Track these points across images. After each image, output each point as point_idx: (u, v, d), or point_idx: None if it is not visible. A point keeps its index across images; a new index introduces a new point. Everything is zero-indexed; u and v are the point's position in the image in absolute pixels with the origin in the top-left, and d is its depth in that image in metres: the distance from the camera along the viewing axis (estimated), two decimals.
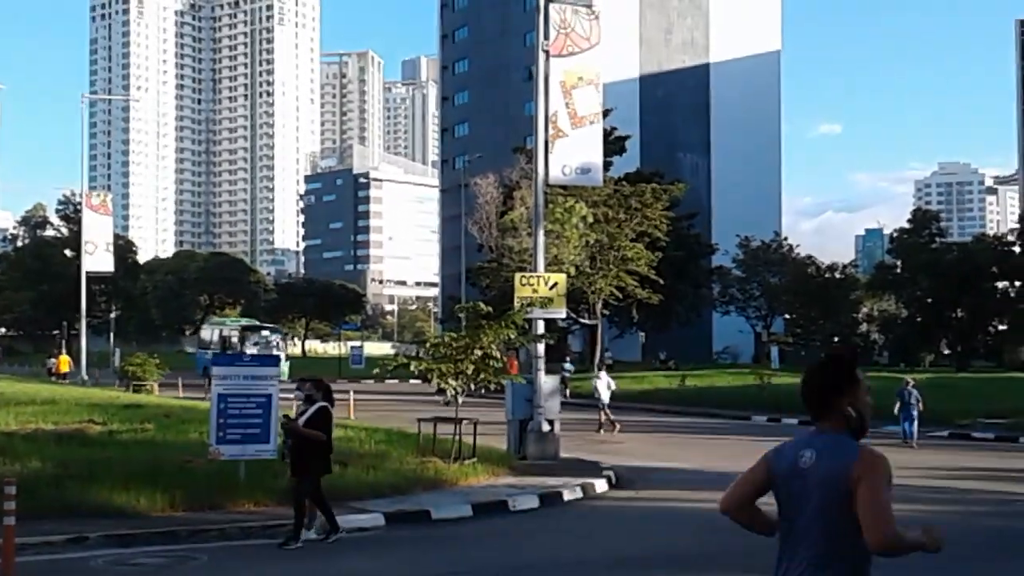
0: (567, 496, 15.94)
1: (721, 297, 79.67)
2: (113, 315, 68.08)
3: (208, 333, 58.11)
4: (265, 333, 54.94)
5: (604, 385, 28.37)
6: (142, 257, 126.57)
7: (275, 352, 47.83)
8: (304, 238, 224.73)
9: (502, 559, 11.53)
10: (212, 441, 14.11)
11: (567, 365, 44.41)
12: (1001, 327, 75.42)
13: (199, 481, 14.06)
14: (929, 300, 72.34)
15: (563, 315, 21.47)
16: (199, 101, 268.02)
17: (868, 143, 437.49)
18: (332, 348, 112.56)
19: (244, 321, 61.06)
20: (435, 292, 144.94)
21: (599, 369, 43.68)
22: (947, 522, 14.08)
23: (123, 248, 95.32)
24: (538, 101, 21.11)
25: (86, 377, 48.89)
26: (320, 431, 11.71)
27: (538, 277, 20.70)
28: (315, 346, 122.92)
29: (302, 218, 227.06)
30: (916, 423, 25.69)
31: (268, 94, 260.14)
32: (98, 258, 51.76)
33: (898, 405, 26.59)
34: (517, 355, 44.08)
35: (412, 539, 12.49)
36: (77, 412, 25.32)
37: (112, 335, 61.74)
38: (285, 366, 46.73)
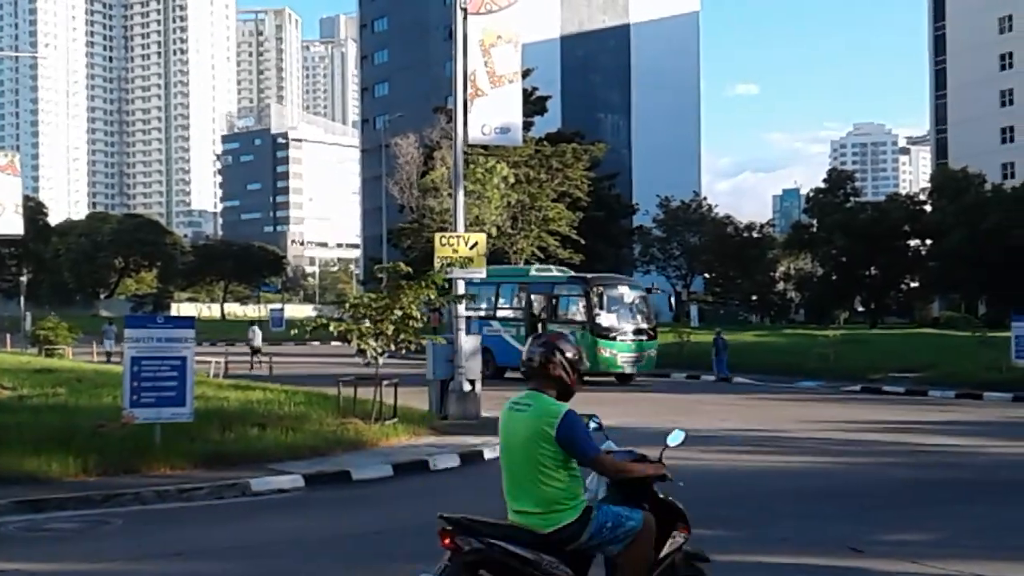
0: (488, 455, 15.95)
1: (642, 257, 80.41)
2: (24, 279, 66.29)
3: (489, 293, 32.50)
4: (636, 294, 32.18)
5: (258, 336, 38.62)
6: (54, 219, 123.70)
7: (643, 324, 31.26)
8: (222, 199, 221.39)
9: (423, 517, 11.44)
10: (126, 405, 13.86)
11: None
12: (912, 284, 77.32)
13: (113, 445, 13.78)
14: (844, 258, 73.77)
15: (483, 275, 21.41)
16: (111, 59, 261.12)
17: (784, 104, 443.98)
18: (252, 311, 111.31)
19: (571, 274, 34.49)
20: (357, 254, 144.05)
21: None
22: (861, 472, 14.41)
23: (33, 210, 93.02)
24: (456, 60, 20.90)
25: None
26: None
27: (458, 237, 20.62)
28: (234, 309, 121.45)
29: (219, 179, 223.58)
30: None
31: (182, 52, 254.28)
32: (7, 220, 49.99)
33: (714, 352, 33.54)
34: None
35: (332, 499, 12.42)
36: None
37: (23, 299, 60.02)
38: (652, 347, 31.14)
